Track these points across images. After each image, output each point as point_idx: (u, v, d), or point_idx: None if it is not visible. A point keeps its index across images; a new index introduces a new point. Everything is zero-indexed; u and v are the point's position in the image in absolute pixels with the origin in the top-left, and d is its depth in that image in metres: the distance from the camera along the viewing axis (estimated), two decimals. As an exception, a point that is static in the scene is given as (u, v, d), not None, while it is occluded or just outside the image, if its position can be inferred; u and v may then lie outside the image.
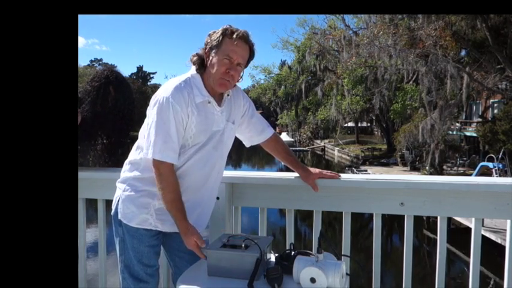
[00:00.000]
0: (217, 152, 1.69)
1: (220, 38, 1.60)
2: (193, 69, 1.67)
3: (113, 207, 1.74)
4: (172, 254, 1.79)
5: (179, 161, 1.63)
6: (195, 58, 1.66)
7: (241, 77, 1.70)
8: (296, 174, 1.88)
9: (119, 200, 1.71)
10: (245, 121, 1.84)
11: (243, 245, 1.45)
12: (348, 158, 32.20)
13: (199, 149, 1.65)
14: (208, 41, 1.63)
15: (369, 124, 44.30)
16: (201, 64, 1.66)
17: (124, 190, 1.70)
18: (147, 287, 1.71)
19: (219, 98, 1.69)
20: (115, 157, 2.35)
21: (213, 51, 1.62)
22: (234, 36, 1.59)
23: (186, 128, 1.60)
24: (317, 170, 1.87)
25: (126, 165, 1.75)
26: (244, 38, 1.62)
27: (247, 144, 1.92)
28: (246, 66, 1.69)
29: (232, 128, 1.76)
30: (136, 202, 1.66)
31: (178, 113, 1.56)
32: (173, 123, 1.56)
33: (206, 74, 1.66)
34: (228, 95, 1.72)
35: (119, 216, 1.69)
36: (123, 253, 1.71)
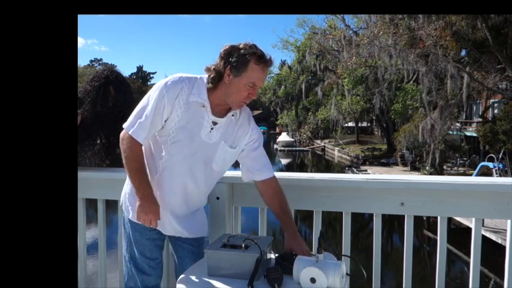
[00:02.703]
0: (206, 169, 1.68)
1: (247, 61, 1.54)
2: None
3: (121, 200, 1.82)
4: (176, 245, 1.81)
5: (164, 163, 1.65)
6: (212, 75, 1.58)
7: None
8: (296, 174, 1.88)
9: (125, 194, 1.79)
10: (246, 150, 1.74)
11: (243, 245, 1.45)
12: (348, 158, 32.19)
13: (186, 157, 1.63)
14: (231, 59, 1.55)
15: (369, 124, 44.31)
16: (218, 81, 1.59)
17: (127, 184, 1.77)
18: (149, 280, 1.75)
19: (221, 111, 1.65)
20: (113, 156, 2.35)
21: (236, 71, 1.55)
22: (262, 63, 1.56)
23: (168, 119, 1.60)
24: (304, 249, 1.61)
25: None
26: (271, 65, 1.60)
27: (244, 178, 1.78)
28: None
29: (229, 151, 1.69)
30: (135, 198, 1.68)
31: (164, 98, 1.57)
32: (154, 106, 1.57)
33: (221, 89, 1.60)
34: (233, 115, 1.67)
35: (123, 210, 1.78)
36: (129, 245, 1.77)
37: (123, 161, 1.62)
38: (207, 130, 1.63)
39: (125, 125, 1.62)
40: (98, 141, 2.31)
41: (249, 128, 1.72)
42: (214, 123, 1.63)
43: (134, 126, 1.59)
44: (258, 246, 1.42)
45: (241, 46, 1.56)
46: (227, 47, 1.58)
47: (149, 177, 1.64)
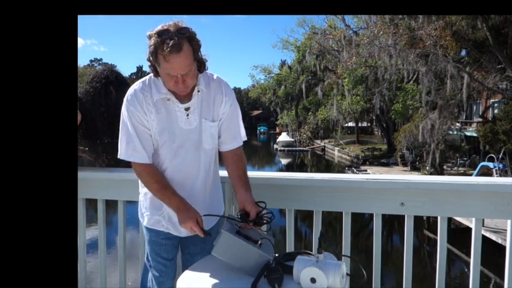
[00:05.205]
0: (199, 152, 1.67)
1: (155, 53, 1.45)
2: None
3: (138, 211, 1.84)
4: (188, 242, 1.82)
5: (161, 166, 1.66)
6: (149, 65, 1.56)
7: (206, 68, 1.60)
8: (296, 174, 1.88)
9: (140, 203, 1.81)
10: (222, 119, 1.71)
11: (259, 241, 1.43)
12: (348, 158, 32.17)
13: (176, 151, 1.64)
14: (148, 48, 1.48)
15: (369, 124, 44.27)
16: (156, 70, 1.55)
17: (140, 192, 1.78)
18: (164, 281, 1.76)
19: (187, 94, 1.60)
20: (114, 157, 2.35)
21: (155, 62, 1.50)
22: (165, 53, 1.41)
23: (150, 127, 1.61)
24: (255, 210, 1.60)
25: None
26: (176, 50, 1.40)
27: (219, 148, 1.76)
28: (196, 57, 1.51)
29: (212, 126, 1.67)
30: (149, 205, 1.73)
31: (134, 113, 1.59)
32: (131, 124, 1.60)
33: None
34: (198, 91, 1.62)
35: (139, 217, 1.80)
36: (147, 251, 1.79)
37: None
38: (184, 118, 1.62)
39: (120, 157, 1.65)
40: (103, 142, 2.30)
41: (222, 96, 1.68)
42: (187, 109, 1.62)
43: (128, 152, 1.62)
44: (273, 247, 1.40)
45: (152, 34, 1.46)
46: (147, 36, 1.48)
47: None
